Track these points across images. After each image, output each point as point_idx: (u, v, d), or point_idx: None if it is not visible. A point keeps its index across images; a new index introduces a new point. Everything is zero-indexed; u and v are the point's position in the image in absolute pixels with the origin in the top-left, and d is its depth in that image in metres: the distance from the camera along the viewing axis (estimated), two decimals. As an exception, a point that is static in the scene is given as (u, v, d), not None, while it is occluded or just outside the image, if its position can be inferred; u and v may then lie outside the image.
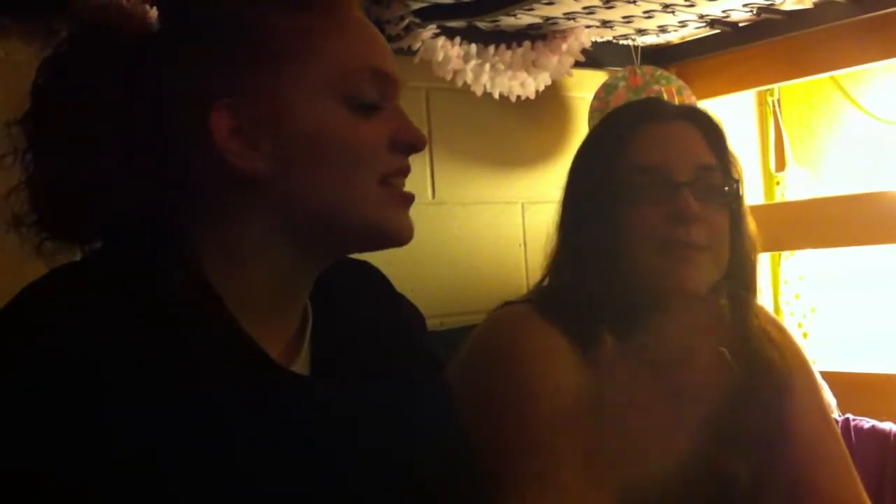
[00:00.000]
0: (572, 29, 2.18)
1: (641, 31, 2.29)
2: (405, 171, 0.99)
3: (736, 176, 1.39)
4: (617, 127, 1.43)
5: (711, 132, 1.40)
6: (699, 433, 1.35)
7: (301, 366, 1.00)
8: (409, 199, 0.99)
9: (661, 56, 2.48)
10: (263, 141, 0.91)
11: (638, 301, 1.34)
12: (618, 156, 1.38)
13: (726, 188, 1.37)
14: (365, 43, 0.96)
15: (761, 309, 1.49)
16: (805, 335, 2.62)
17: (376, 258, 2.01)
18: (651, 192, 1.34)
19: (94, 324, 0.84)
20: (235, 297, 0.92)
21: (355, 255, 1.10)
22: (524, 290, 2.19)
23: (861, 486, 1.44)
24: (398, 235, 0.98)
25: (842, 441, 1.48)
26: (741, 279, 1.39)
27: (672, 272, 1.33)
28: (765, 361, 1.39)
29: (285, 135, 0.92)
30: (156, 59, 0.91)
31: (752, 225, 1.42)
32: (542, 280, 1.47)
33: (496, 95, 2.13)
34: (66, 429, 0.80)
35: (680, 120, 1.40)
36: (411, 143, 0.98)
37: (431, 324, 2.03)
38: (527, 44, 2.17)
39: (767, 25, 2.24)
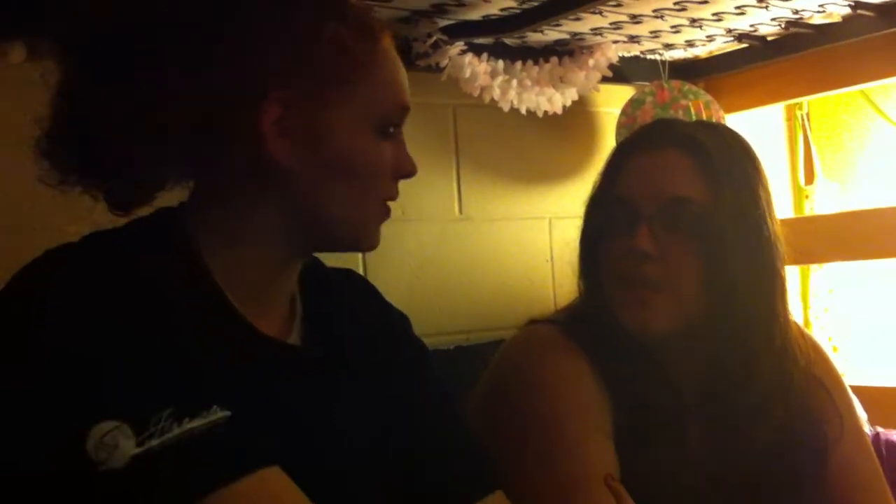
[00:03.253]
0: (599, 44, 2.19)
1: (669, 46, 2.30)
2: (396, 196, 1.09)
3: (734, 206, 1.29)
4: (613, 156, 1.42)
5: (704, 161, 1.30)
6: (722, 469, 1.33)
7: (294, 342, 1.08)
8: (388, 216, 1.09)
9: (688, 71, 2.48)
10: (299, 138, 0.99)
11: (620, 339, 1.32)
12: (607, 186, 1.38)
13: (704, 222, 1.28)
14: (397, 78, 1.06)
15: (797, 331, 1.41)
16: (835, 349, 2.60)
17: (403, 271, 2.04)
18: (618, 226, 1.32)
19: (92, 308, 0.89)
20: (228, 275, 1.01)
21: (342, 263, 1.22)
22: (552, 306, 2.20)
23: None
24: (370, 248, 1.09)
25: (879, 468, 1.43)
26: (732, 317, 1.29)
27: (629, 311, 1.30)
28: (797, 402, 1.35)
29: (320, 141, 1.00)
30: (231, 42, 0.97)
31: (761, 257, 1.31)
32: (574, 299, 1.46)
33: (523, 111, 2.14)
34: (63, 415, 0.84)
35: (669, 148, 1.33)
36: (409, 173, 1.08)
37: (458, 339, 2.07)
38: (554, 59, 2.18)
39: (796, 39, 2.24)
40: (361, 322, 1.17)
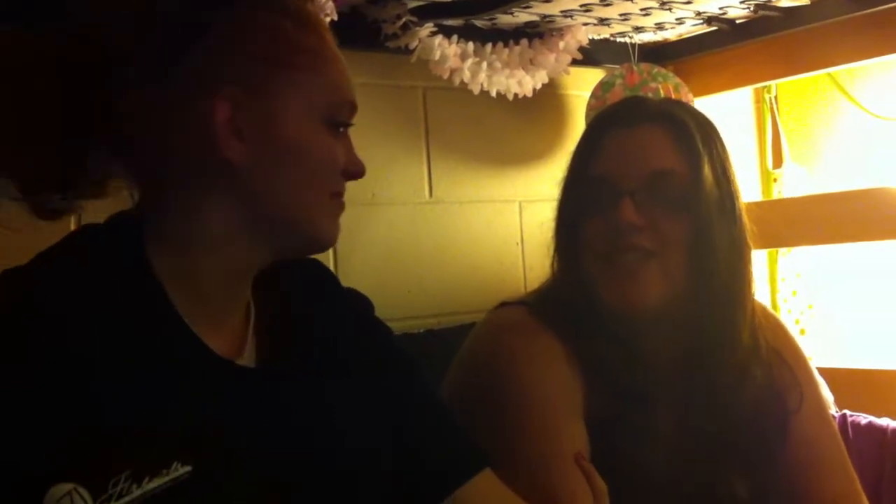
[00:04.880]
0: (569, 27, 2.18)
1: (638, 29, 2.29)
2: (343, 193, 1.08)
3: (710, 178, 1.32)
4: (587, 134, 1.42)
5: (681, 134, 1.34)
6: (692, 448, 1.34)
7: (247, 359, 1.06)
8: (342, 210, 1.09)
9: (658, 54, 2.48)
10: (250, 135, 0.98)
11: (594, 320, 1.33)
12: (582, 166, 1.38)
13: (687, 194, 1.31)
14: (344, 75, 1.06)
15: (760, 307, 1.46)
16: (802, 332, 2.62)
17: (373, 255, 2.03)
18: (598, 204, 1.33)
19: (41, 348, 0.87)
20: (181, 287, 0.99)
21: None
22: (522, 289, 2.20)
23: (860, 488, 1.43)
24: (329, 243, 1.08)
25: (840, 442, 1.46)
26: (714, 289, 1.32)
27: (615, 287, 1.31)
28: (764, 374, 1.37)
29: (271, 135, 0.99)
30: (178, 43, 0.98)
31: (734, 229, 1.35)
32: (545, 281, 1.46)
33: (493, 94, 2.12)
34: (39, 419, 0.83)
35: (646, 124, 1.35)
36: (356, 173, 1.08)
37: (428, 323, 2.06)
38: (524, 42, 2.17)
39: (764, 22, 2.24)
40: (321, 320, 1.15)
